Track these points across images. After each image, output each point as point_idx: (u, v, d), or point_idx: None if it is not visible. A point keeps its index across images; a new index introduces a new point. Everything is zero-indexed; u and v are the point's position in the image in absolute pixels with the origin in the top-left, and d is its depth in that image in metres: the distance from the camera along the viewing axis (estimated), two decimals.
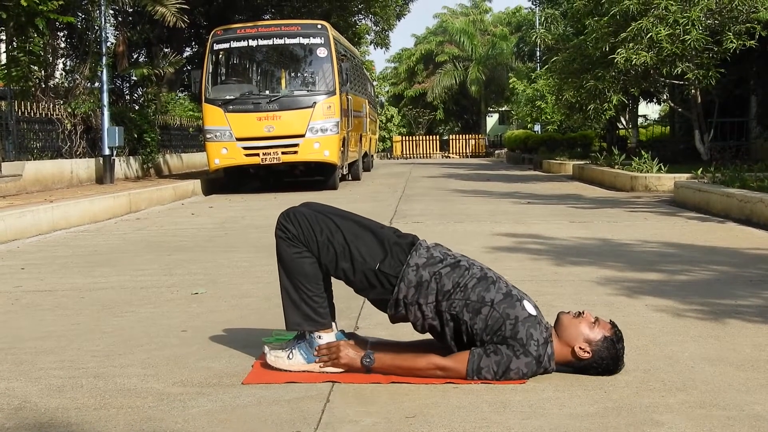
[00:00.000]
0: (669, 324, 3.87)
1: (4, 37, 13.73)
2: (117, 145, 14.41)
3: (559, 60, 17.52)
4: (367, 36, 28.00)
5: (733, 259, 5.94)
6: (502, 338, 2.94)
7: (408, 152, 43.44)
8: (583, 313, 3.07)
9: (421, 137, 45.53)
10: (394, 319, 3.19)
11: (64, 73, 16.42)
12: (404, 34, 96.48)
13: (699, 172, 12.20)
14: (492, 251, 6.40)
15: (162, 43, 19.53)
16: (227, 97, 14.76)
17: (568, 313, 3.09)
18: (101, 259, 6.59)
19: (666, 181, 12.93)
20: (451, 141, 45.35)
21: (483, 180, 17.57)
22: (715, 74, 13.63)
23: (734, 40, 13.14)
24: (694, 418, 2.59)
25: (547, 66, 21.97)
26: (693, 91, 14.96)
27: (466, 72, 47.85)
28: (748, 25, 13.23)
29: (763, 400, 2.75)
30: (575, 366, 3.04)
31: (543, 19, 22.64)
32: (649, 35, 13.43)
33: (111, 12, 16.44)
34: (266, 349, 3.21)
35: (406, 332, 3.34)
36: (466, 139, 44.61)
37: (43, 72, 14.42)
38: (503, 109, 52.53)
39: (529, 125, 32.70)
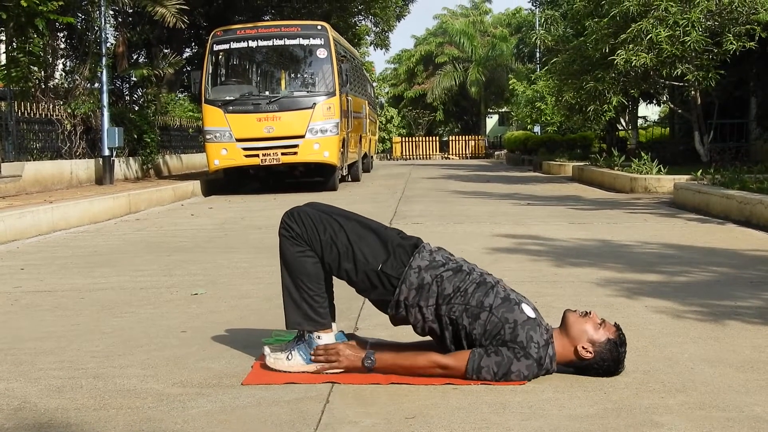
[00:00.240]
0: (669, 325, 3.87)
1: (3, 38, 13.73)
2: (117, 145, 14.41)
3: (559, 61, 17.53)
4: (366, 37, 28.03)
5: (733, 261, 5.94)
6: (501, 342, 2.95)
7: (408, 153, 43.46)
8: (590, 313, 3.07)
9: (420, 138, 45.55)
10: (394, 320, 3.20)
11: (63, 74, 16.43)
12: (404, 35, 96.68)
13: (699, 173, 12.21)
14: (492, 252, 6.40)
15: (162, 44, 19.53)
16: (227, 98, 14.76)
17: (575, 311, 3.09)
18: (101, 260, 6.59)
19: (666, 182, 12.94)
20: (450, 142, 45.35)
21: (483, 181, 17.57)
22: (714, 76, 13.63)
23: (734, 42, 13.15)
24: (693, 419, 2.59)
25: (546, 67, 21.97)
26: (693, 92, 14.97)
27: (466, 73, 47.85)
28: (747, 26, 13.24)
29: (762, 401, 2.75)
30: (576, 365, 3.04)
31: (543, 20, 22.63)
32: (648, 36, 13.43)
33: (111, 13, 16.44)
34: (266, 350, 3.21)
35: (406, 333, 3.34)
36: (465, 141, 44.63)
37: (42, 72, 14.42)
38: (503, 110, 52.55)
39: (528, 126, 32.70)
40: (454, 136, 47.11)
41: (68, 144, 14.18)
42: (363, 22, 26.66)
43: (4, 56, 14.00)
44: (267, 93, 15.22)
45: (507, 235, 7.50)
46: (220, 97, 14.81)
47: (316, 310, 3.13)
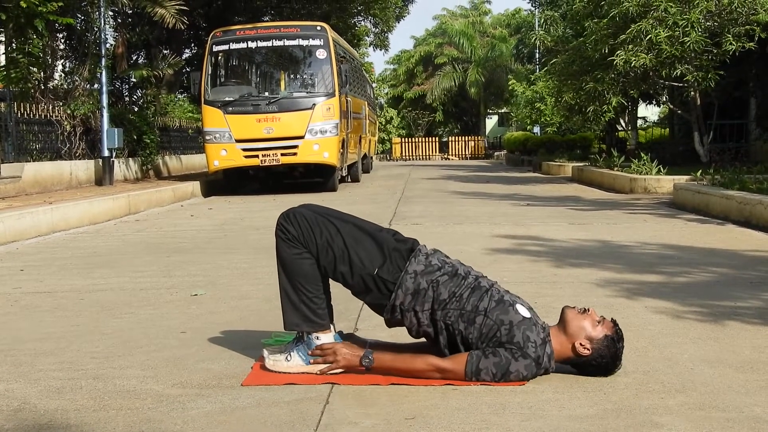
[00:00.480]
0: (668, 326, 3.87)
1: (3, 39, 13.72)
2: (116, 146, 14.41)
3: (559, 62, 17.53)
4: (366, 38, 28.03)
5: (733, 261, 5.94)
6: (498, 343, 2.95)
7: (407, 154, 43.47)
8: (588, 309, 3.07)
9: (420, 139, 45.55)
10: (389, 324, 3.20)
11: (63, 75, 16.43)
12: (403, 36, 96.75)
13: (698, 174, 12.21)
14: (491, 253, 6.40)
15: (161, 45, 19.54)
16: (226, 99, 14.76)
17: (574, 307, 3.09)
18: (100, 261, 6.59)
19: (665, 183, 12.94)
20: (450, 143, 45.35)
21: (482, 182, 17.57)
22: (714, 76, 13.63)
23: (733, 42, 13.15)
24: (693, 419, 2.59)
25: (546, 68, 21.98)
26: (692, 93, 14.97)
27: (466, 74, 47.86)
28: (747, 27, 13.24)
29: (762, 401, 2.75)
30: (574, 362, 3.04)
31: (542, 20, 22.68)
32: (648, 37, 13.43)
33: (110, 13, 16.45)
34: (265, 353, 3.20)
35: (405, 334, 3.34)
36: (465, 141, 44.63)
37: (42, 73, 14.42)
38: (502, 111, 52.56)
39: (528, 127, 32.70)
40: (453, 137, 47.12)
41: (68, 145, 14.18)
42: (362, 23, 26.67)
43: (3, 57, 14.00)
44: (266, 94, 15.23)
45: (507, 236, 7.50)
46: (220, 98, 14.80)
47: (314, 312, 3.13)
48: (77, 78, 15.26)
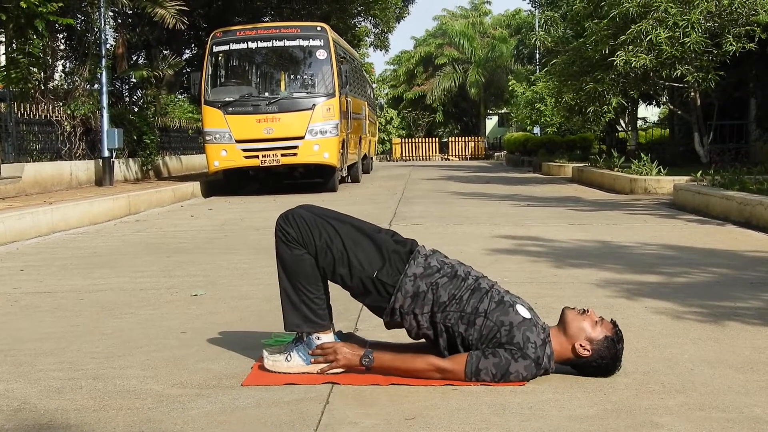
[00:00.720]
0: (668, 326, 3.87)
1: (3, 39, 13.72)
2: (116, 147, 14.41)
3: (559, 62, 17.53)
4: (366, 38, 28.03)
5: (733, 262, 5.94)
6: (498, 344, 2.95)
7: (407, 154, 43.46)
8: (587, 310, 3.07)
9: (420, 139, 45.54)
10: (389, 326, 3.21)
11: (63, 75, 16.44)
12: (403, 37, 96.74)
13: (698, 174, 12.21)
14: (491, 253, 6.40)
15: (161, 45, 19.54)
16: (227, 99, 14.76)
17: (574, 308, 3.09)
18: (100, 261, 6.59)
19: (665, 183, 12.94)
20: (450, 143, 45.35)
21: (482, 182, 17.58)
22: (714, 77, 13.63)
23: (734, 43, 13.15)
24: (693, 420, 2.59)
25: (546, 68, 21.97)
26: (692, 93, 14.97)
27: (466, 74, 47.86)
28: (747, 27, 13.24)
29: (762, 402, 2.75)
30: (573, 363, 3.04)
31: (542, 21, 22.67)
32: (648, 38, 13.43)
33: (110, 14, 16.45)
34: (265, 353, 3.20)
35: (405, 334, 3.33)
36: (465, 142, 44.63)
37: (42, 74, 14.42)
38: (502, 111, 52.58)
39: (528, 128, 32.70)
40: (453, 138, 47.12)
41: (68, 145, 14.19)
42: (362, 24, 26.67)
43: (3, 57, 14.01)
44: (267, 94, 15.23)
45: (507, 236, 7.50)
46: (220, 99, 14.80)
47: (315, 312, 3.13)
48: (77, 78, 15.26)
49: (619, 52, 13.65)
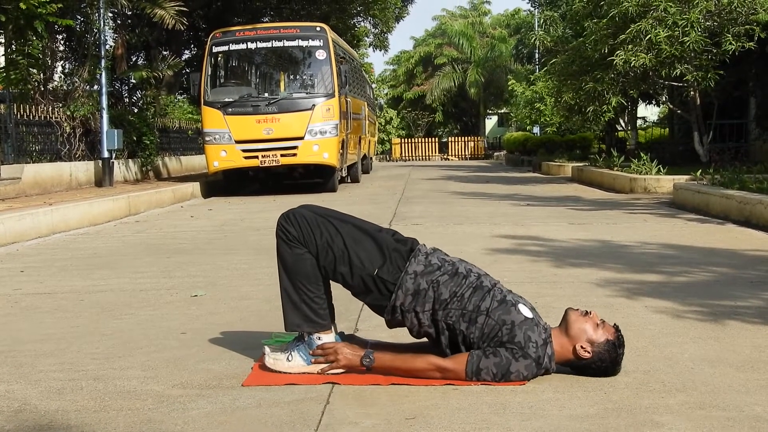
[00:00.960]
0: (668, 325, 3.87)
1: (3, 40, 13.72)
2: (116, 147, 14.41)
3: (558, 62, 17.53)
4: (366, 38, 28.03)
5: (733, 261, 5.94)
6: (499, 343, 2.95)
7: (407, 154, 43.46)
8: (590, 312, 3.07)
9: (420, 139, 45.53)
10: (390, 324, 3.20)
11: (63, 76, 16.42)
12: (403, 37, 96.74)
13: (698, 173, 12.20)
14: (491, 253, 6.40)
15: (161, 46, 19.55)
16: (226, 100, 14.76)
17: (577, 310, 3.09)
18: (100, 262, 6.59)
19: (665, 182, 12.94)
20: (450, 143, 45.34)
21: (482, 182, 17.58)
22: (714, 76, 13.64)
23: (733, 42, 13.15)
24: (693, 419, 2.59)
25: (546, 68, 21.98)
26: (692, 92, 14.97)
27: (465, 74, 47.87)
28: (747, 26, 13.24)
29: (762, 401, 2.75)
30: (574, 364, 3.04)
31: (542, 21, 22.64)
32: (648, 37, 13.44)
33: (110, 15, 16.44)
34: (266, 351, 3.20)
35: (406, 335, 3.34)
36: (465, 142, 44.62)
37: (41, 75, 14.42)
38: (502, 111, 52.58)
39: (528, 127, 32.71)
40: (453, 137, 47.11)
41: (67, 146, 14.18)
42: (362, 24, 26.67)
43: (3, 59, 14.01)
44: (266, 94, 15.23)
45: (506, 236, 7.50)
46: (220, 99, 14.80)
47: (315, 312, 3.13)
48: (77, 79, 15.25)
49: (618, 52, 13.65)
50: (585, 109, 16.74)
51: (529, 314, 3.02)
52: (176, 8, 15.84)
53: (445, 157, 43.27)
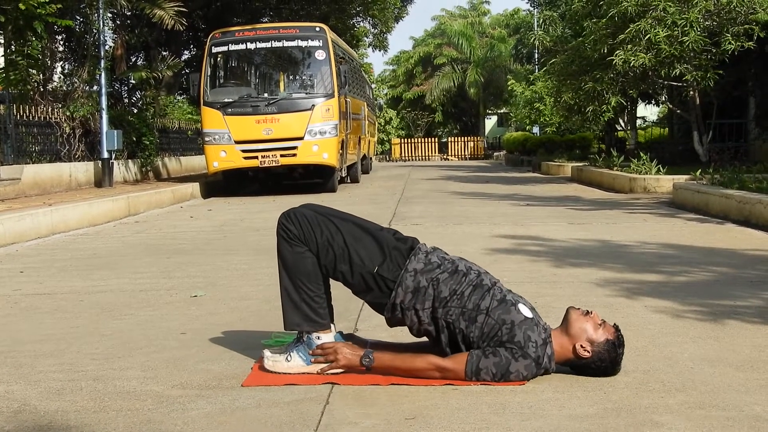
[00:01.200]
0: (668, 325, 3.87)
1: (2, 41, 13.72)
2: (116, 148, 14.40)
3: (558, 62, 17.53)
4: (365, 38, 28.03)
5: (732, 260, 5.94)
6: (499, 343, 2.95)
7: (407, 155, 43.46)
8: (591, 312, 3.07)
9: (419, 140, 45.54)
10: (390, 323, 3.20)
11: (62, 77, 16.43)
12: (402, 37, 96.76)
13: (698, 173, 12.20)
14: (491, 253, 6.40)
15: (160, 47, 19.54)
16: (226, 100, 14.76)
17: (578, 309, 3.09)
18: (100, 263, 6.59)
19: (665, 182, 12.94)
20: (449, 143, 45.34)
21: (482, 182, 17.57)
22: (713, 76, 13.64)
23: (732, 42, 13.16)
24: (693, 418, 2.59)
25: (545, 68, 21.99)
26: (691, 92, 14.97)
27: (465, 74, 47.88)
28: (746, 26, 13.25)
29: (762, 400, 2.75)
30: (573, 364, 3.04)
31: (541, 21, 22.64)
32: (647, 37, 13.44)
33: (109, 15, 16.45)
34: (265, 353, 3.20)
35: (405, 334, 3.34)
36: (464, 142, 44.62)
37: (41, 75, 14.41)
38: (502, 111, 52.59)
39: (527, 127, 32.71)
40: (453, 138, 47.12)
41: (67, 147, 14.18)
42: (361, 24, 26.67)
43: (2, 59, 14.01)
44: (266, 95, 15.22)
45: (506, 236, 7.50)
46: (219, 99, 14.80)
47: (315, 311, 3.13)
48: (76, 80, 15.25)
49: (617, 52, 13.66)
50: (584, 108, 16.75)
51: (528, 314, 3.02)
52: (175, 9, 15.84)
53: (444, 157, 43.27)
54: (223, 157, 14.56)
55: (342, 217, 3.22)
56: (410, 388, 2.93)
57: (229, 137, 14.44)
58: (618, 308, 4.25)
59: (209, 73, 15.06)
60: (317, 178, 15.46)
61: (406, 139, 45.77)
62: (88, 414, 2.75)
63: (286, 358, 3.14)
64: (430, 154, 43.55)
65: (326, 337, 3.15)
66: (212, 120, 14.64)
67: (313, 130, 14.42)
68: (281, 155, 14.43)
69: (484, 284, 3.08)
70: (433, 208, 11.03)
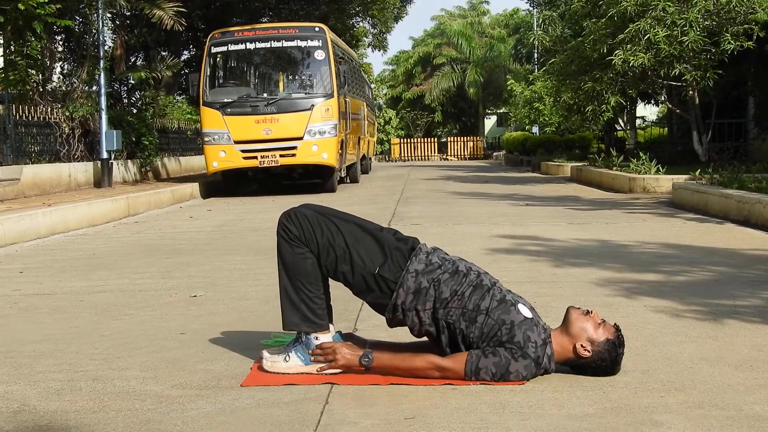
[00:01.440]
0: (668, 324, 3.88)
1: (1, 41, 13.72)
2: (115, 148, 14.39)
3: (557, 62, 17.54)
4: (364, 38, 28.04)
5: (732, 260, 5.94)
6: (498, 343, 2.95)
7: (406, 155, 43.46)
8: (591, 312, 3.07)
9: (419, 140, 45.53)
10: (391, 323, 3.20)
11: (61, 77, 16.43)
12: (402, 37, 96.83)
13: (697, 173, 12.20)
14: (491, 253, 6.40)
15: (160, 47, 19.54)
16: (225, 100, 14.75)
17: (578, 309, 3.09)
18: (99, 263, 6.59)
19: (664, 182, 12.94)
20: (449, 143, 45.31)
21: (481, 182, 17.57)
22: (712, 75, 13.64)
23: (732, 42, 13.16)
24: (692, 418, 2.59)
25: (544, 68, 21.99)
26: (691, 92, 14.97)
27: (464, 74, 47.89)
28: (745, 26, 13.25)
29: (761, 400, 2.75)
30: (573, 364, 3.04)
31: (541, 20, 22.68)
32: (646, 37, 13.44)
33: (108, 16, 16.46)
34: (264, 354, 3.20)
35: (405, 334, 3.34)
36: (464, 142, 44.60)
37: (40, 76, 14.41)
38: (501, 111, 52.62)
39: (527, 127, 32.72)
40: (452, 137, 47.09)
41: (66, 147, 14.17)
42: (361, 24, 26.68)
43: (1, 60, 14.01)
44: (265, 95, 15.23)
45: (506, 236, 7.50)
46: (218, 100, 14.80)
47: (314, 312, 3.13)
48: (75, 80, 15.26)
49: (617, 51, 13.66)
50: (584, 108, 16.75)
51: (528, 314, 3.02)
52: (175, 9, 15.84)
53: (444, 157, 43.26)
54: (222, 157, 14.56)
55: (342, 217, 3.22)
56: (410, 388, 2.93)
57: (229, 137, 14.43)
58: (617, 308, 4.25)
59: (208, 73, 15.06)
60: (317, 178, 15.46)
61: (405, 139, 45.76)
62: (88, 414, 2.75)
63: (285, 359, 3.14)
64: (429, 154, 43.54)
65: (325, 338, 3.14)
66: (212, 120, 14.63)
67: (312, 130, 14.42)
68: (281, 155, 14.43)
69: (484, 285, 3.08)
70: (432, 208, 11.03)
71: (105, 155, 14.21)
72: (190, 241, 8.03)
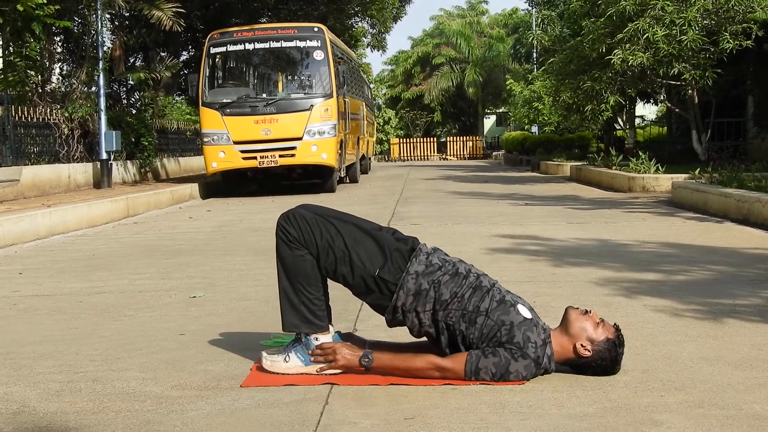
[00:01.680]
0: (667, 324, 3.87)
1: (0, 42, 13.72)
2: (114, 149, 14.39)
3: (556, 61, 17.53)
4: (363, 39, 28.04)
5: (731, 259, 5.94)
6: (498, 343, 2.95)
7: (405, 154, 43.45)
8: (590, 311, 3.07)
9: (418, 139, 45.50)
10: (391, 324, 3.20)
11: (60, 78, 16.44)
12: (401, 37, 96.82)
13: (696, 172, 12.21)
14: (490, 253, 6.40)
15: (159, 47, 19.55)
16: (224, 101, 14.75)
17: (577, 308, 3.09)
18: (99, 264, 6.59)
19: (663, 181, 12.94)
20: (448, 143, 45.28)
21: (480, 182, 17.57)
22: (711, 74, 13.64)
23: (731, 41, 13.16)
24: (692, 417, 2.59)
25: (543, 67, 21.98)
26: (690, 91, 14.97)
27: (463, 74, 47.89)
28: (744, 25, 13.25)
29: (761, 399, 2.75)
30: (573, 363, 3.04)
31: (539, 20, 22.67)
32: (645, 36, 13.45)
33: (107, 16, 16.46)
34: (263, 354, 3.20)
35: (404, 334, 3.33)
36: (463, 141, 44.58)
37: (39, 77, 14.42)
38: (500, 110, 52.60)
39: (526, 127, 32.71)
40: (451, 137, 47.05)
41: (66, 148, 14.17)
42: (360, 24, 26.69)
43: (1, 61, 14.01)
44: (264, 95, 15.23)
45: (505, 236, 7.50)
46: (218, 100, 14.80)
47: (314, 313, 3.13)
48: (75, 81, 15.25)
49: (616, 51, 13.66)
50: (583, 108, 16.75)
51: (528, 314, 3.02)
52: (174, 9, 15.84)
53: (443, 156, 43.26)
54: (221, 157, 14.56)
55: (341, 218, 3.21)
56: (410, 388, 2.92)
57: (228, 138, 14.43)
58: (617, 307, 4.25)
59: (208, 74, 15.06)
60: (316, 178, 15.46)
61: (404, 139, 45.74)
62: (87, 415, 2.75)
63: (284, 359, 3.14)
64: (428, 154, 43.53)
65: (324, 339, 3.14)
66: (211, 120, 14.63)
67: (311, 130, 14.42)
68: (280, 155, 14.43)
69: (484, 286, 3.08)
70: (432, 208, 11.03)
71: (104, 156, 14.21)
72: (189, 241, 8.02)
